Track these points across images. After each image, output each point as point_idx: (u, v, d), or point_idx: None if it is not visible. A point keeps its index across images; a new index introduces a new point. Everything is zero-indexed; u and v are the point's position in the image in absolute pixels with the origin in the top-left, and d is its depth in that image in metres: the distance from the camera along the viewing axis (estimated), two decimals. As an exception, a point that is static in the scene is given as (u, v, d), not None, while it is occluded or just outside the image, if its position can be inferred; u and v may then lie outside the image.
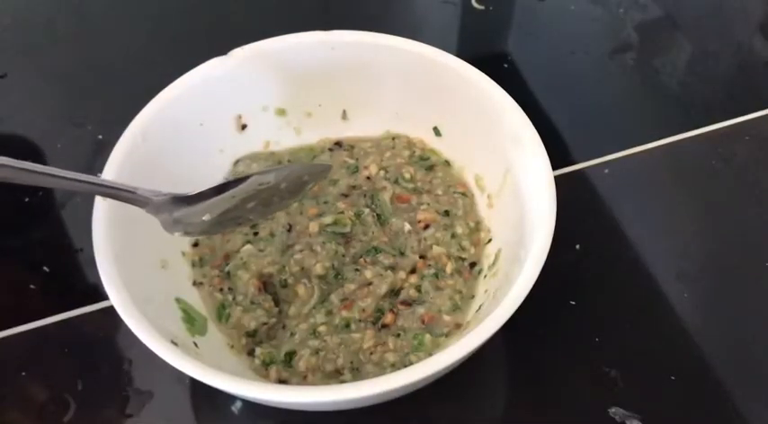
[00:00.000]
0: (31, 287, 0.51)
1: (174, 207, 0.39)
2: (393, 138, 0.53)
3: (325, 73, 0.51)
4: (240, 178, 0.41)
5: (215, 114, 0.50)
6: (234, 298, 0.46)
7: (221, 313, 0.45)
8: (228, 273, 0.47)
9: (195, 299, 0.46)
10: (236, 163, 0.52)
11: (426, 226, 0.49)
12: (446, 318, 0.45)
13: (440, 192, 0.50)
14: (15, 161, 0.34)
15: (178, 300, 0.44)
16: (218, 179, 0.51)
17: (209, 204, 0.39)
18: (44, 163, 0.58)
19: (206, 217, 0.39)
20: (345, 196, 0.50)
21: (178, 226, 0.40)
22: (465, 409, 0.46)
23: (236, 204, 0.41)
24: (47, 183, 0.36)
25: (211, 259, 0.48)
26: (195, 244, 0.48)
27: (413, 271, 0.47)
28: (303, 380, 0.43)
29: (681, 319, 0.50)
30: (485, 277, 0.47)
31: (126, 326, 0.37)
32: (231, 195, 0.40)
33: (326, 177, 0.50)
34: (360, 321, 0.45)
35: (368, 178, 0.51)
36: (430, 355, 0.42)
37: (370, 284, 0.46)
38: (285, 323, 0.45)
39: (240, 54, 0.49)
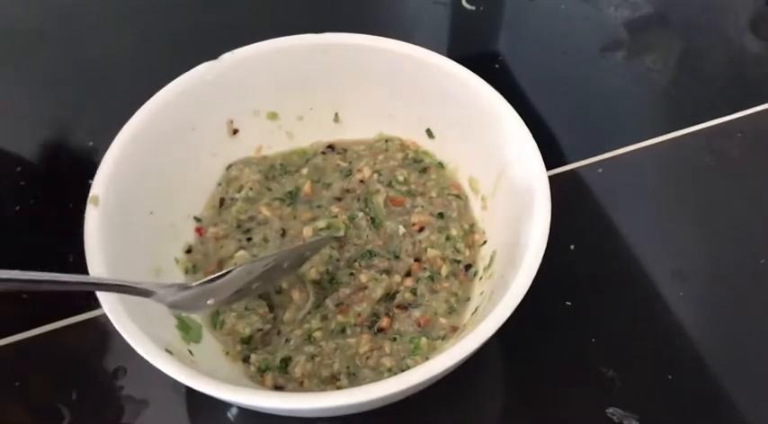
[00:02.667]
0: (24, 296, 0.50)
1: (180, 291, 0.39)
2: (386, 141, 0.53)
3: (317, 76, 0.51)
4: (244, 264, 0.42)
5: (206, 119, 0.49)
6: (228, 305, 0.45)
7: (216, 320, 0.45)
8: (222, 279, 0.46)
9: (189, 306, 0.45)
10: (229, 167, 0.51)
11: (421, 229, 0.48)
12: (442, 321, 0.45)
13: (434, 195, 0.50)
14: (21, 272, 0.34)
15: (172, 307, 0.44)
16: (210, 184, 0.51)
17: (214, 289, 0.40)
18: (36, 169, 0.58)
19: (210, 302, 0.40)
20: (339, 199, 0.50)
21: (184, 309, 0.40)
22: (463, 411, 0.46)
23: (240, 287, 0.41)
24: (53, 288, 0.36)
25: (205, 265, 0.47)
26: (188, 251, 0.48)
27: (408, 274, 0.47)
28: (299, 386, 0.43)
29: (677, 318, 0.50)
30: (480, 279, 0.47)
31: (120, 334, 0.37)
32: (236, 280, 0.41)
33: (327, 246, 0.48)
34: (355, 325, 0.44)
35: (361, 181, 0.51)
36: (427, 358, 0.42)
37: (365, 288, 0.45)
38: (280, 329, 0.45)
39: (230, 58, 0.49)
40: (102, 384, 0.46)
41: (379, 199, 0.49)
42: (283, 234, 0.48)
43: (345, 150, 0.53)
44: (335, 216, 0.48)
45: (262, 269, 0.42)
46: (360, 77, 0.51)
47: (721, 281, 0.52)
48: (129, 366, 0.47)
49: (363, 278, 0.46)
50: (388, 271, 0.46)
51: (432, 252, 0.47)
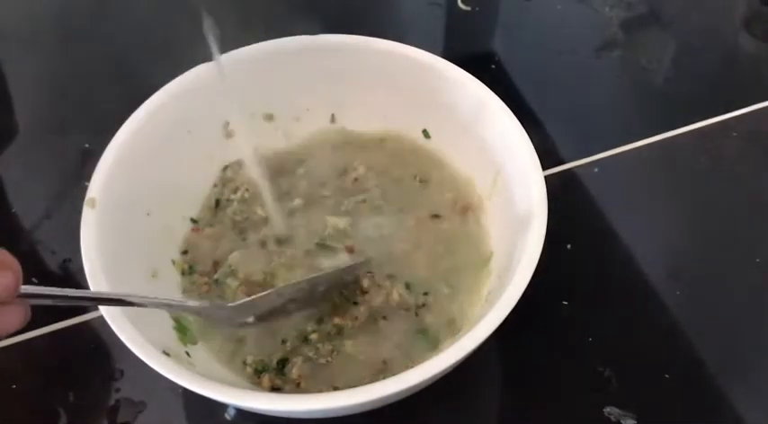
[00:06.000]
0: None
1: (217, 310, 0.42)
2: (382, 141, 0.53)
3: (313, 77, 0.51)
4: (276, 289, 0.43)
5: (202, 121, 0.49)
6: (224, 306, 0.45)
7: (213, 321, 0.45)
8: (217, 281, 0.46)
9: (186, 308, 0.45)
10: (225, 169, 0.51)
11: (418, 230, 0.48)
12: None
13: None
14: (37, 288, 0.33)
15: (169, 309, 0.44)
16: (206, 185, 0.51)
17: (249, 308, 0.42)
18: (31, 172, 0.58)
19: (250, 319, 0.42)
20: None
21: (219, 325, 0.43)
22: (460, 411, 0.46)
23: (273, 307, 0.43)
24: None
25: (201, 267, 0.47)
26: (185, 252, 0.48)
27: (405, 275, 0.47)
28: (296, 387, 0.43)
29: (673, 317, 0.50)
30: (477, 279, 0.47)
31: (117, 336, 0.37)
32: (267, 301, 0.42)
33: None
34: (352, 327, 0.44)
35: (357, 180, 0.51)
36: (425, 359, 0.42)
37: (365, 292, 0.45)
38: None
39: (226, 60, 0.48)
40: (100, 386, 0.46)
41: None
42: (280, 235, 0.48)
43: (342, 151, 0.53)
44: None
45: (294, 292, 0.43)
46: (356, 78, 0.51)
47: (717, 280, 0.52)
48: (126, 367, 0.47)
49: (365, 282, 0.46)
50: (385, 272, 0.46)
51: (429, 252, 0.47)
